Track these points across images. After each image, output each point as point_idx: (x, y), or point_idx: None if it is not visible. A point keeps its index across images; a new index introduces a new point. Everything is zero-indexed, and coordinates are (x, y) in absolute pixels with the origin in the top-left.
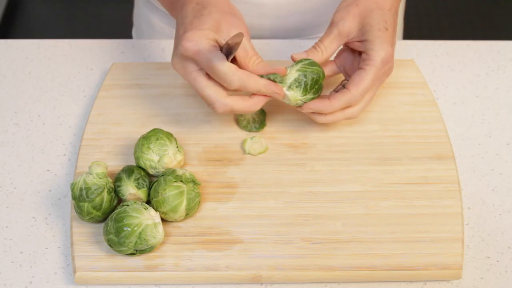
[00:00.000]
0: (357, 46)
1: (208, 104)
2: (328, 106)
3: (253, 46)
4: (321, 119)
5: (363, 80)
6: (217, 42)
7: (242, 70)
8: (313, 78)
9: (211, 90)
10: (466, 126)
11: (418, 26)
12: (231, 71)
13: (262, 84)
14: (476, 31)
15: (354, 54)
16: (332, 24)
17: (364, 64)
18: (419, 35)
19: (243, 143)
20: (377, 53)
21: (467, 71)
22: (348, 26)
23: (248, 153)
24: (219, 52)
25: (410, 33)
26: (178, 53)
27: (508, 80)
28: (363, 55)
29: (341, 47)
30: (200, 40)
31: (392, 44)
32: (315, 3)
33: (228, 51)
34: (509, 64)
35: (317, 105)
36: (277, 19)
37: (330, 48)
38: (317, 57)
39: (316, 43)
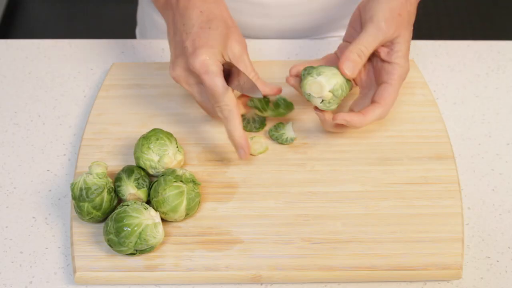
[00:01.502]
0: (381, 51)
1: (207, 112)
2: (362, 120)
3: (251, 62)
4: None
5: (392, 95)
6: (222, 57)
7: (235, 109)
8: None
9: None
10: (466, 126)
11: (418, 26)
12: (229, 105)
13: (237, 135)
14: (476, 31)
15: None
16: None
17: (390, 78)
18: (419, 35)
19: None
20: (403, 68)
21: (467, 71)
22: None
23: None
24: (223, 80)
25: None
26: (183, 65)
27: (508, 80)
28: (386, 65)
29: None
30: (211, 61)
31: None
32: (320, 4)
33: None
34: (509, 64)
35: (352, 118)
36: (282, 20)
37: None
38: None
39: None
